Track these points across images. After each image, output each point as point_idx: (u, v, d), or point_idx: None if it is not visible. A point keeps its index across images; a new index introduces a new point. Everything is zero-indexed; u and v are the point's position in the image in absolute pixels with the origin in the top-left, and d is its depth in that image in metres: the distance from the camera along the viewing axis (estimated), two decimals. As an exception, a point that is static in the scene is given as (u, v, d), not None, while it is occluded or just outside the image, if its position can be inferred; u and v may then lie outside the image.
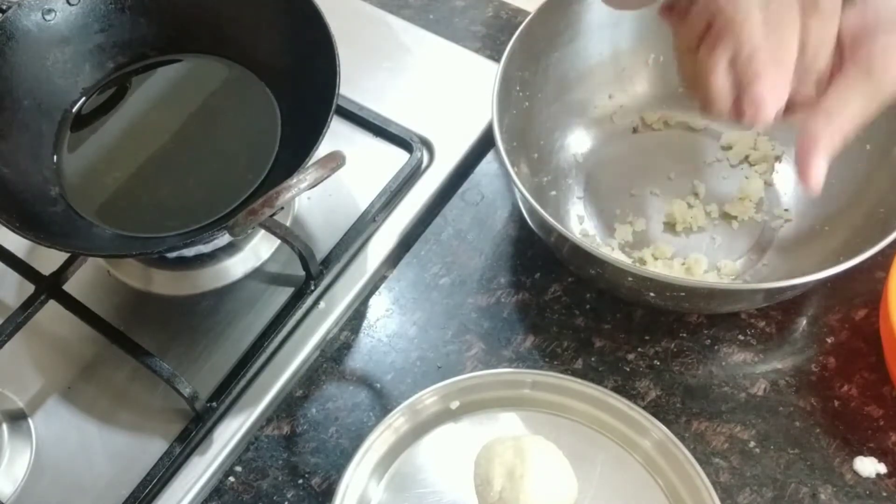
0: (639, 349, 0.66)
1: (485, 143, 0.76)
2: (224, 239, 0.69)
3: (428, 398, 0.62)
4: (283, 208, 0.56)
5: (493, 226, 0.73)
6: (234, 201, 0.67)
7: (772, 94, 0.49)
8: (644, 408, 0.61)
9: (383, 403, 0.65)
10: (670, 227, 0.71)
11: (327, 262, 0.69)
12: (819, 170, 0.50)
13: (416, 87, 0.80)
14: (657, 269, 0.68)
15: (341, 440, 0.64)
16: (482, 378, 0.63)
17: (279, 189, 0.54)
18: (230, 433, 0.64)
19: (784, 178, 0.72)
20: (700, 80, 0.52)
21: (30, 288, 0.67)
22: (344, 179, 0.73)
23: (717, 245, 0.70)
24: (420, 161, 0.74)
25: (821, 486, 0.60)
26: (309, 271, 0.67)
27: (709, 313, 0.67)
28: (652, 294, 0.61)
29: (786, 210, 0.70)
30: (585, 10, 0.71)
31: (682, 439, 0.59)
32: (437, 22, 0.85)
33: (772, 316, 0.67)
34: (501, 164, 0.62)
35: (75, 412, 0.66)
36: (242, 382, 0.66)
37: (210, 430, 0.64)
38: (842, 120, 0.50)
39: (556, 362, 0.66)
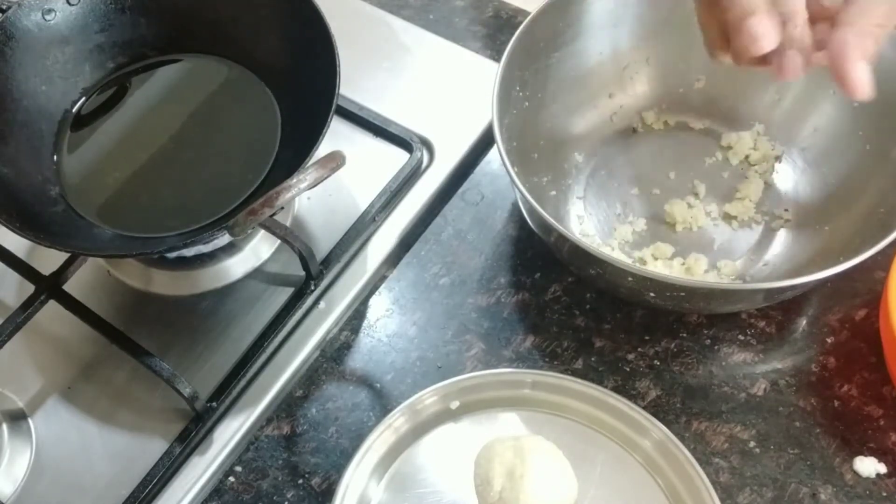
0: (639, 349, 0.66)
1: (485, 143, 0.76)
2: (224, 239, 0.69)
3: (428, 398, 0.62)
4: (283, 208, 0.56)
5: (493, 226, 0.73)
6: (234, 201, 0.67)
7: (763, 27, 0.49)
8: (644, 408, 0.61)
9: (383, 403, 0.65)
10: (670, 227, 0.71)
11: (327, 262, 0.69)
12: (859, 73, 0.48)
13: (416, 87, 0.80)
14: (657, 269, 0.68)
15: (341, 440, 0.64)
16: (482, 378, 0.63)
17: (279, 189, 0.54)
18: (230, 433, 0.64)
19: (784, 178, 0.72)
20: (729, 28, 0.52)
21: (30, 288, 0.67)
22: (344, 179, 0.73)
23: (717, 245, 0.70)
24: (420, 161, 0.74)
25: (821, 486, 0.60)
26: (309, 271, 0.67)
27: (709, 313, 0.67)
28: (652, 294, 0.61)
29: (786, 210, 0.70)
30: (585, 10, 0.70)
31: (682, 439, 0.59)
32: (437, 22, 0.85)
33: (772, 316, 0.67)
34: (502, 164, 0.62)
35: (75, 412, 0.66)
36: (242, 382, 0.66)
37: (210, 430, 0.64)
38: (867, 23, 0.49)
39: (556, 362, 0.66)
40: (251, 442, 0.65)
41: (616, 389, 0.63)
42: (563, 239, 0.61)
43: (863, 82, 0.49)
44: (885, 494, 0.59)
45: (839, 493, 0.59)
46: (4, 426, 0.65)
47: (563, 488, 0.57)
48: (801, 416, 0.62)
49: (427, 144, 0.76)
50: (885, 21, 0.49)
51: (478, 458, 0.58)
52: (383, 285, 0.71)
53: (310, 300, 0.68)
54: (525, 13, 0.81)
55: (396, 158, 0.74)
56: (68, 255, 0.68)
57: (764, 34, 0.50)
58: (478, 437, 0.60)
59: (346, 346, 0.68)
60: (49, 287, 0.67)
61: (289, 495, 0.62)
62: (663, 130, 0.75)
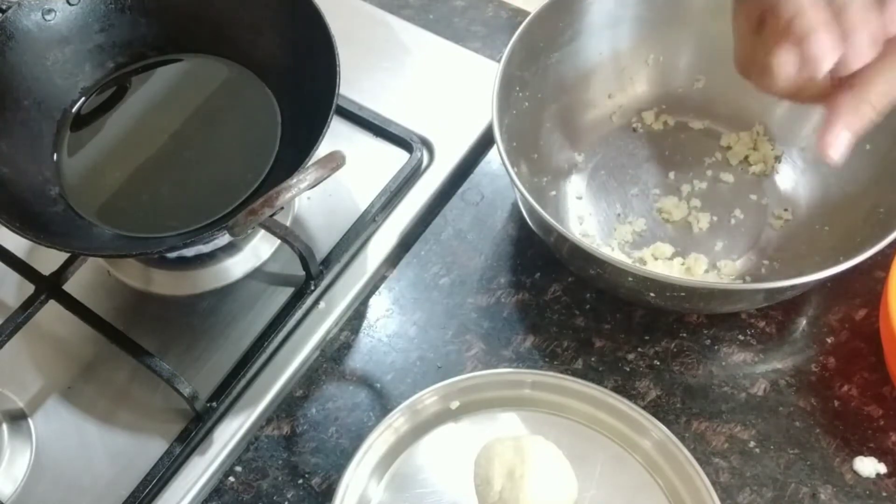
0: (639, 349, 0.66)
1: (485, 143, 0.76)
2: (224, 239, 0.69)
3: (428, 398, 0.62)
4: (283, 208, 0.56)
5: (493, 226, 0.72)
6: (234, 201, 0.67)
7: (825, 45, 0.48)
8: (644, 408, 0.61)
9: (383, 403, 0.65)
10: (670, 226, 0.71)
11: (327, 262, 0.69)
12: (838, 139, 0.49)
13: (416, 87, 0.80)
14: (657, 269, 0.68)
15: (341, 440, 0.64)
16: (482, 378, 0.63)
17: (279, 189, 0.54)
18: (230, 433, 0.64)
19: (784, 178, 0.72)
20: (761, 58, 0.51)
21: (30, 288, 0.67)
22: (344, 179, 0.73)
23: (717, 245, 0.70)
24: (420, 161, 0.74)
25: (821, 486, 0.60)
26: (309, 271, 0.67)
27: (709, 313, 0.67)
28: (652, 294, 0.61)
29: (785, 210, 0.70)
30: (585, 10, 0.70)
31: (682, 439, 0.59)
32: (437, 22, 0.85)
33: (772, 316, 0.67)
34: (502, 164, 0.62)
35: (75, 412, 0.66)
36: (242, 382, 0.66)
37: (210, 430, 0.64)
38: (870, 96, 0.49)
39: (556, 362, 0.66)
40: (251, 442, 0.65)
41: (616, 389, 0.63)
42: (562, 239, 0.61)
43: (837, 151, 0.50)
44: (885, 494, 0.59)
45: (839, 493, 0.59)
46: (4, 426, 0.65)
47: (563, 488, 0.57)
48: (801, 416, 0.62)
49: (427, 144, 0.76)
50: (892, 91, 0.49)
51: (478, 458, 0.58)
52: (383, 285, 0.71)
53: (310, 300, 0.68)
54: (525, 13, 0.81)
55: (396, 158, 0.74)
56: (68, 255, 0.68)
57: (824, 54, 0.48)
58: (478, 437, 0.60)
59: (346, 346, 0.68)
60: (49, 287, 0.67)
61: (289, 495, 0.62)
62: (663, 130, 0.75)
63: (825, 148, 0.50)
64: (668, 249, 0.69)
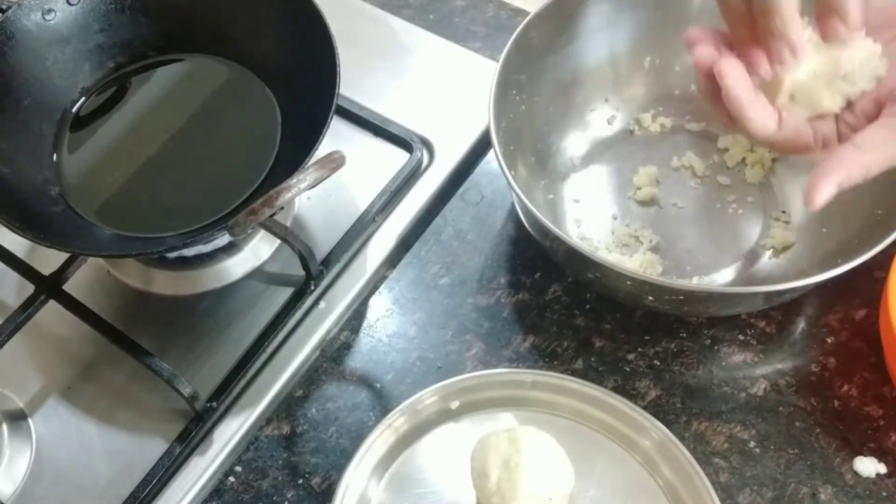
0: (639, 349, 0.66)
1: (485, 143, 0.76)
2: (224, 239, 0.69)
3: (428, 398, 0.62)
4: (283, 208, 0.56)
5: (493, 226, 0.73)
6: (234, 201, 0.67)
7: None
8: (644, 408, 0.61)
9: (383, 403, 0.65)
10: (670, 227, 0.71)
11: (327, 262, 0.69)
12: (823, 192, 0.50)
13: (416, 87, 0.80)
14: (656, 270, 0.68)
15: (341, 440, 0.64)
16: (482, 378, 0.63)
17: (279, 189, 0.54)
18: (230, 433, 0.64)
19: (781, 180, 0.72)
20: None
21: (30, 288, 0.67)
22: (344, 179, 0.73)
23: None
24: (420, 161, 0.74)
25: (821, 486, 0.60)
26: (309, 271, 0.67)
27: (708, 316, 0.67)
28: (650, 298, 0.61)
29: (783, 212, 0.70)
30: (581, 13, 0.70)
31: (682, 439, 0.59)
32: (437, 22, 0.85)
33: (772, 316, 0.67)
34: (499, 167, 0.62)
35: (75, 412, 0.66)
36: (242, 382, 0.66)
37: (210, 430, 0.64)
38: (867, 158, 0.50)
39: (555, 362, 0.66)
40: (251, 442, 0.65)
41: (616, 389, 0.63)
42: (559, 242, 0.61)
43: (817, 202, 0.50)
44: (885, 494, 0.59)
45: (839, 493, 0.59)
46: (4, 426, 0.65)
47: (559, 475, 0.57)
48: (801, 416, 0.63)
49: (427, 144, 0.76)
50: (889, 160, 0.50)
51: (473, 451, 0.58)
52: (383, 285, 0.71)
53: (310, 300, 0.68)
54: (525, 13, 0.81)
55: (396, 158, 0.74)
56: (68, 255, 0.68)
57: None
58: (478, 436, 0.60)
59: (346, 346, 0.68)
60: (49, 287, 0.67)
61: (289, 495, 0.62)
62: (660, 133, 0.75)
63: (810, 197, 0.51)
64: (667, 250, 0.69)
